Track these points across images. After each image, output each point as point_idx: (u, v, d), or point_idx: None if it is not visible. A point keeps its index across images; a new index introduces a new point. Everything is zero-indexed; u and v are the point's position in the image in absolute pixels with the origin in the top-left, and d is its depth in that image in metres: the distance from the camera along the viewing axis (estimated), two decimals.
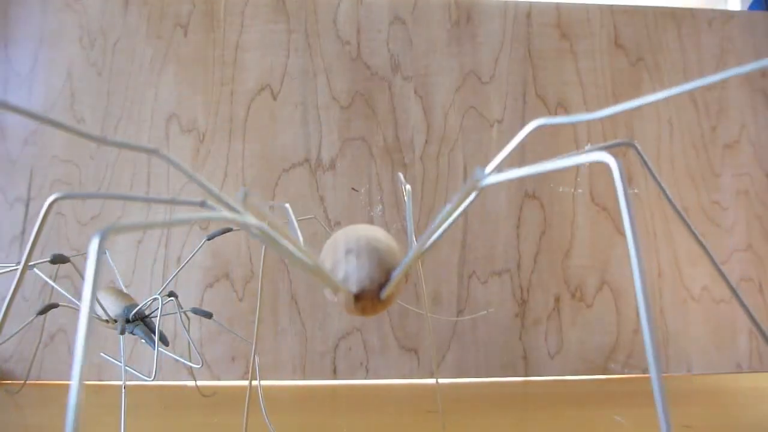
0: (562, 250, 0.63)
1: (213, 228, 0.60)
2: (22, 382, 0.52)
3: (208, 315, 0.39)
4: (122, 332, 0.36)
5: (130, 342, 0.57)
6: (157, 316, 0.36)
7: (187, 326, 0.43)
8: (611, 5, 0.69)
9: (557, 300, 0.62)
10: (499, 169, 0.18)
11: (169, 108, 0.63)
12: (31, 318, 0.42)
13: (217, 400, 0.50)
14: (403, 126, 0.65)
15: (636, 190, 0.65)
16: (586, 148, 0.66)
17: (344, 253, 0.22)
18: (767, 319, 0.64)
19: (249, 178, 0.62)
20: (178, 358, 0.37)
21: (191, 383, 0.54)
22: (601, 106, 0.66)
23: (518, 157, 0.64)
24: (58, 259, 0.36)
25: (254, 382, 0.40)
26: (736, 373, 0.62)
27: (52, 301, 0.40)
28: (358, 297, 0.21)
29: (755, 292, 0.64)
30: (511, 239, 0.63)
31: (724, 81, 0.68)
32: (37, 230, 0.19)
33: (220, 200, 0.20)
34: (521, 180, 0.64)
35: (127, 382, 0.33)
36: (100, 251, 0.12)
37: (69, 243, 0.60)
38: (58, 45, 0.64)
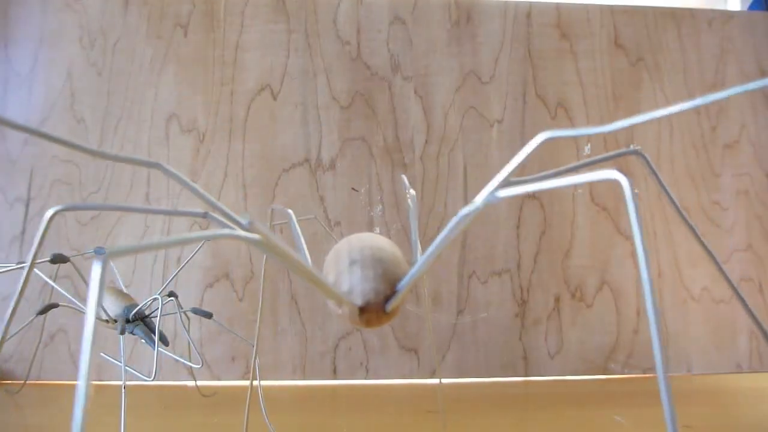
0: (562, 250, 0.63)
1: (212, 228, 0.60)
2: (22, 382, 0.52)
3: (208, 315, 0.39)
4: (122, 332, 0.36)
5: (130, 342, 0.57)
6: (157, 316, 0.36)
7: (187, 326, 0.43)
8: (611, 5, 0.69)
9: (557, 300, 0.62)
10: (507, 179, 0.18)
11: (169, 108, 0.63)
12: (31, 318, 0.42)
13: (217, 400, 0.50)
14: (403, 126, 0.65)
15: (636, 191, 0.65)
16: (586, 148, 0.66)
17: (348, 264, 0.22)
18: (767, 319, 0.64)
19: (249, 178, 0.62)
20: (178, 358, 0.37)
21: (191, 383, 0.54)
22: (601, 107, 0.66)
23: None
24: (58, 259, 0.36)
25: (254, 382, 0.40)
26: (736, 373, 0.62)
27: (52, 301, 0.40)
28: (362, 310, 0.21)
29: (755, 292, 0.64)
30: (511, 239, 0.63)
31: (723, 81, 0.68)
32: (38, 243, 0.19)
33: (223, 213, 0.19)
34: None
35: (127, 382, 0.33)
36: (103, 275, 0.12)
37: (69, 243, 0.60)
38: (58, 45, 0.64)
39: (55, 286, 0.36)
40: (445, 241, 0.20)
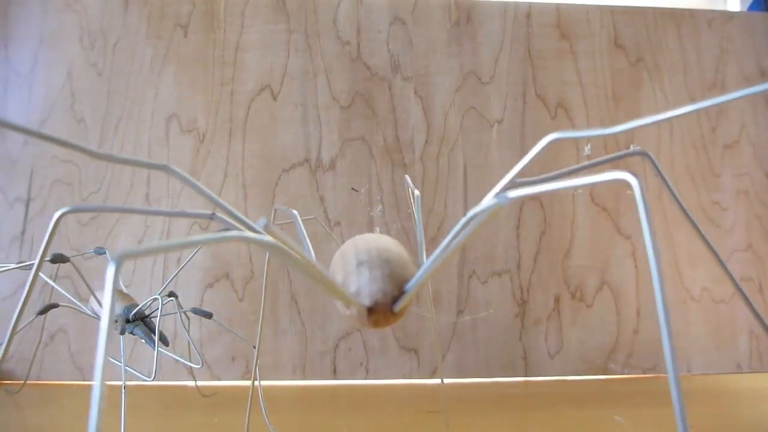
0: (562, 250, 0.63)
1: (213, 228, 0.60)
2: (22, 382, 0.52)
3: (208, 315, 0.39)
4: (122, 332, 0.36)
5: (130, 342, 0.57)
6: (157, 316, 0.36)
7: (187, 326, 0.43)
8: (611, 5, 0.69)
9: (557, 300, 0.62)
10: (513, 181, 0.18)
11: (169, 108, 0.63)
12: (31, 318, 0.42)
13: (217, 400, 0.50)
14: (403, 126, 0.65)
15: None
16: (586, 149, 0.66)
17: (356, 265, 0.22)
18: (767, 319, 0.64)
19: (249, 178, 0.62)
20: (178, 358, 0.37)
21: (191, 383, 0.54)
22: (601, 107, 0.66)
23: (518, 155, 0.64)
24: (58, 259, 0.36)
25: (256, 382, 0.40)
26: (736, 373, 0.62)
27: (52, 301, 0.40)
28: (371, 310, 0.21)
29: (755, 292, 0.64)
30: (511, 239, 0.63)
31: (723, 82, 0.68)
32: (46, 244, 0.19)
33: (230, 213, 0.19)
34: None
35: (127, 382, 0.33)
36: (116, 278, 0.12)
37: (69, 243, 0.60)
38: (58, 45, 0.64)
39: (55, 286, 0.36)
40: (454, 242, 0.20)
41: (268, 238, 0.17)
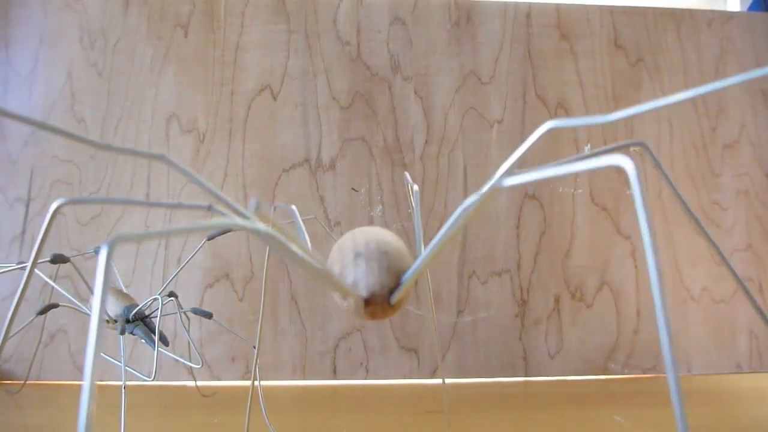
0: (562, 250, 0.63)
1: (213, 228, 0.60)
2: (22, 382, 0.52)
3: (208, 315, 0.39)
4: (122, 332, 0.36)
5: (130, 342, 0.57)
6: (157, 317, 0.36)
7: (187, 326, 0.43)
8: (611, 6, 0.69)
9: (557, 300, 0.62)
10: (511, 171, 0.18)
11: (169, 108, 0.63)
12: (31, 318, 0.42)
13: (217, 400, 0.50)
14: (403, 126, 0.65)
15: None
16: (586, 149, 0.66)
17: (353, 257, 0.22)
18: None
19: (249, 178, 0.62)
20: (178, 358, 0.37)
21: (191, 383, 0.54)
22: (601, 107, 0.66)
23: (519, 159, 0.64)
24: (58, 259, 0.36)
25: (255, 382, 0.40)
26: (736, 373, 0.62)
27: (52, 301, 0.40)
28: (368, 302, 0.21)
29: (755, 292, 0.64)
30: (511, 239, 0.63)
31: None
32: (42, 236, 0.19)
33: (227, 204, 0.19)
34: None
35: (127, 382, 0.33)
36: (109, 261, 0.12)
37: (69, 243, 0.60)
38: (58, 45, 0.64)
39: (55, 286, 0.36)
40: (449, 233, 0.20)
41: (264, 227, 0.17)
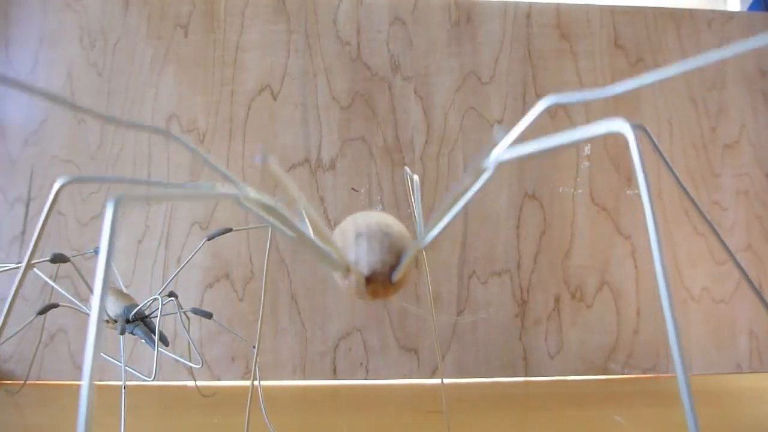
0: (562, 250, 0.63)
1: (213, 228, 0.60)
2: (22, 382, 0.52)
3: (208, 315, 0.39)
4: (122, 332, 0.36)
5: (130, 342, 0.57)
6: (157, 317, 0.36)
7: (187, 326, 0.43)
8: (611, 5, 0.69)
9: (557, 300, 0.62)
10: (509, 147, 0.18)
11: (169, 108, 0.63)
12: (31, 318, 0.42)
13: (217, 400, 0.50)
14: (403, 126, 0.65)
15: (636, 191, 0.65)
16: (586, 149, 0.66)
17: (354, 237, 0.22)
18: (767, 320, 0.64)
19: (249, 178, 0.62)
20: (178, 358, 0.37)
21: (191, 383, 0.54)
22: (601, 107, 0.66)
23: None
24: (58, 259, 0.36)
25: (255, 382, 0.40)
26: (736, 373, 0.62)
27: (52, 301, 0.40)
28: (369, 280, 0.21)
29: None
30: (511, 239, 0.63)
31: (724, 81, 0.68)
32: (46, 214, 0.19)
33: (232, 182, 0.19)
34: (521, 180, 0.64)
35: (127, 382, 0.33)
36: (116, 217, 0.12)
37: (69, 243, 0.60)
38: (58, 45, 0.64)
39: (55, 286, 0.36)
40: (448, 207, 0.20)
41: (266, 198, 0.17)
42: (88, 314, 0.39)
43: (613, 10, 0.69)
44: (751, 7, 0.77)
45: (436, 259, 0.62)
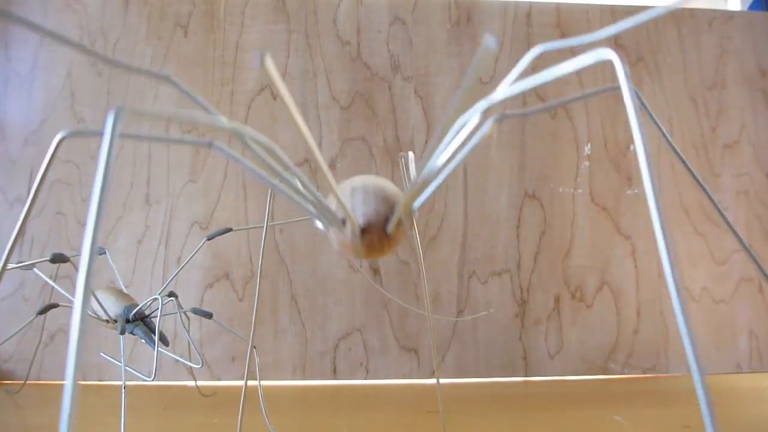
0: (562, 250, 0.63)
1: (213, 228, 0.60)
2: (22, 382, 0.52)
3: (208, 315, 0.39)
4: (122, 332, 0.36)
5: (130, 342, 0.57)
6: (157, 317, 0.36)
7: (187, 326, 0.43)
8: (611, 5, 0.69)
9: (557, 300, 0.62)
10: (502, 93, 0.18)
11: (169, 108, 0.63)
12: (31, 318, 0.42)
13: (217, 400, 0.50)
14: (403, 126, 0.65)
15: (636, 191, 0.65)
16: (586, 149, 0.66)
17: (350, 192, 0.22)
18: (766, 321, 0.64)
19: (249, 178, 0.62)
20: (178, 358, 0.37)
21: (191, 383, 0.54)
22: (601, 107, 0.66)
23: (518, 155, 0.64)
24: (58, 259, 0.36)
25: (255, 382, 0.40)
26: (736, 373, 0.62)
27: (52, 301, 0.40)
28: (364, 231, 0.21)
29: (755, 292, 0.64)
30: (511, 239, 0.63)
31: (724, 81, 0.68)
32: (46, 167, 0.19)
33: (227, 128, 0.20)
34: (521, 180, 0.64)
35: (127, 382, 0.33)
36: (115, 130, 0.11)
37: (69, 243, 0.60)
38: (58, 45, 0.64)
39: (55, 286, 0.36)
40: (440, 152, 0.20)
41: (266, 140, 0.17)
42: (88, 314, 0.39)
43: (613, 9, 0.69)
44: (752, 7, 0.77)
45: (436, 259, 0.62)
